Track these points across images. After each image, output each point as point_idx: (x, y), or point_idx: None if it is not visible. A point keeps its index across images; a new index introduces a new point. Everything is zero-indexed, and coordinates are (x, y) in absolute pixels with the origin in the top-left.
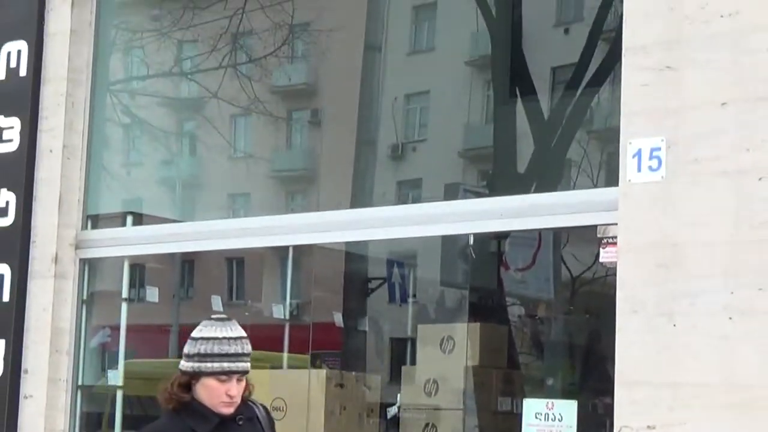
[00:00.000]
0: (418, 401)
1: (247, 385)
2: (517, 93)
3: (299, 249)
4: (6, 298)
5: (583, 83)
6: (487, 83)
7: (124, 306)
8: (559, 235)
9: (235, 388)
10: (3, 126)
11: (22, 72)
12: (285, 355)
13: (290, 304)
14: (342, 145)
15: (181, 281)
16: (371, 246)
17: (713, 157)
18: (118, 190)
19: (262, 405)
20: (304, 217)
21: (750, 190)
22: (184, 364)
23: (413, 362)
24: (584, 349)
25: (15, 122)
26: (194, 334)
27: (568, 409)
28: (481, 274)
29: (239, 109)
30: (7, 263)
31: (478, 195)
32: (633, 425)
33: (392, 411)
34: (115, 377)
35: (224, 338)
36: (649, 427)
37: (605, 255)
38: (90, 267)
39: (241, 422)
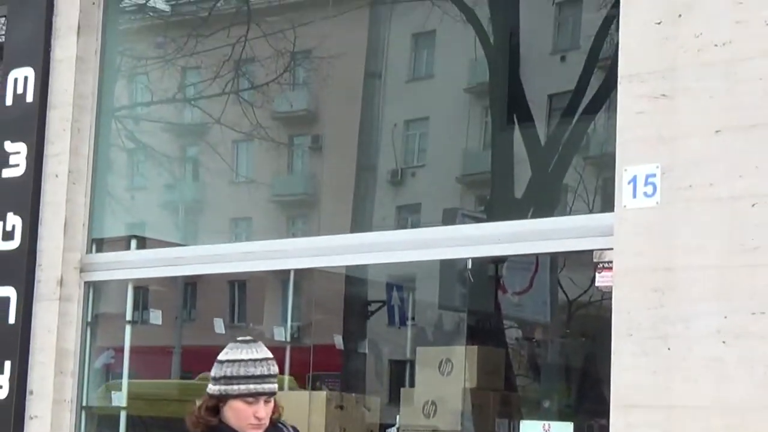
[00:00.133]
0: (416, 423)
1: (276, 406)
2: (515, 120)
3: (300, 272)
4: (12, 320)
5: (580, 110)
6: (485, 110)
7: (128, 328)
8: (555, 259)
9: (263, 410)
10: (10, 151)
11: (29, 98)
12: (286, 377)
13: (291, 327)
14: (342, 170)
15: (184, 304)
16: (371, 270)
17: (707, 183)
18: (123, 214)
19: (292, 426)
20: (305, 241)
21: (743, 216)
22: (212, 388)
23: (412, 384)
24: (580, 371)
25: (21, 147)
26: (220, 357)
27: (564, 431)
28: (479, 297)
29: (241, 135)
30: (13, 286)
31: (477, 220)
32: None
33: None
34: (119, 398)
35: (250, 360)
36: None
37: (601, 279)
38: (94, 290)
39: None
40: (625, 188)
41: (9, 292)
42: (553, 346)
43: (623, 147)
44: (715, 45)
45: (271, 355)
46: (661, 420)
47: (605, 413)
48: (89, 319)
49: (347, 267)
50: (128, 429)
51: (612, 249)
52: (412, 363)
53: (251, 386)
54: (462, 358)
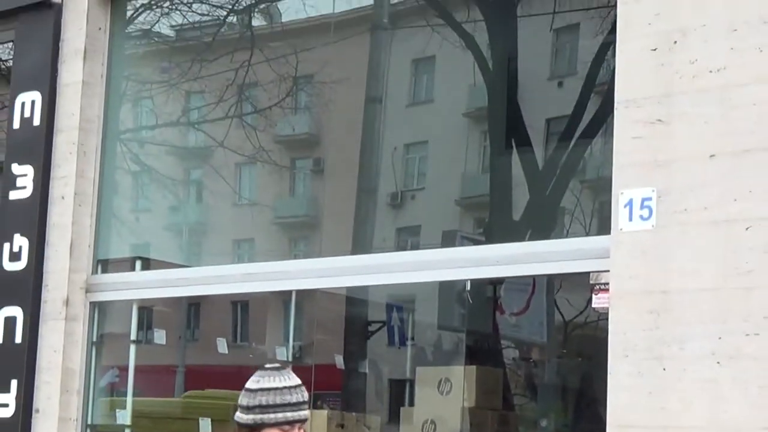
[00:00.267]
0: None
1: None
2: (513, 144)
3: (302, 293)
4: (18, 339)
5: (577, 135)
6: (483, 134)
7: (132, 347)
8: (552, 281)
9: None
10: (17, 173)
11: (36, 122)
12: None
13: (293, 347)
14: (343, 192)
15: (188, 324)
16: (371, 291)
17: (702, 207)
18: (128, 236)
19: None
20: (307, 262)
21: (737, 239)
22: (243, 417)
23: (412, 403)
24: (576, 391)
25: (28, 170)
26: (251, 385)
27: None
28: (478, 318)
29: (244, 158)
30: (19, 306)
31: (475, 242)
32: None
33: None
34: (124, 417)
35: (285, 388)
36: None
37: (597, 301)
38: (100, 310)
39: None
40: (621, 211)
41: (15, 312)
42: (550, 366)
43: (619, 171)
44: (710, 71)
45: (300, 382)
46: None
47: None
48: (94, 339)
49: (348, 288)
50: None
51: (608, 271)
52: (412, 382)
53: (288, 414)
54: (461, 377)
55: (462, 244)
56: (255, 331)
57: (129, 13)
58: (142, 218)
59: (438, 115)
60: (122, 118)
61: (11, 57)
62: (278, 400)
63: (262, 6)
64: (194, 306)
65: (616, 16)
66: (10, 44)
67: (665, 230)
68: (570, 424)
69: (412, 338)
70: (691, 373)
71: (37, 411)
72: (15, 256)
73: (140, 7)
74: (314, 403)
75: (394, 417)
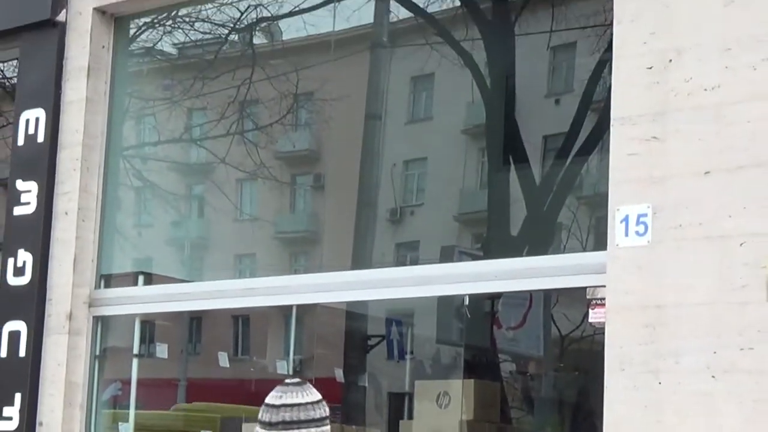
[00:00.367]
0: None
1: None
2: (511, 160)
3: (302, 307)
4: (22, 353)
5: (573, 151)
6: (481, 151)
7: (135, 361)
8: (549, 295)
9: None
10: (21, 189)
11: (40, 138)
12: None
13: (293, 360)
14: (343, 208)
15: (189, 338)
16: (371, 305)
17: (697, 223)
18: (130, 251)
19: None
20: (307, 277)
21: (732, 255)
22: None
23: (410, 416)
24: (573, 404)
25: (32, 186)
26: (272, 401)
27: None
28: (476, 332)
29: (245, 174)
30: (23, 320)
31: (473, 257)
32: None
33: None
34: (126, 429)
35: (308, 403)
36: None
37: (594, 315)
38: (103, 324)
39: None
40: (617, 227)
41: (20, 326)
42: (546, 380)
43: (615, 187)
44: (705, 89)
45: (321, 397)
46: None
47: None
48: (98, 353)
49: (348, 302)
50: None
51: (604, 286)
52: (411, 396)
53: (312, 430)
54: (459, 391)
55: (460, 260)
56: (256, 344)
57: (132, 32)
58: (144, 233)
59: (437, 132)
60: (125, 135)
61: (16, 74)
62: (302, 416)
63: (263, 24)
64: (196, 320)
65: (612, 35)
66: (15, 62)
67: (661, 246)
68: None
69: (411, 352)
70: (687, 386)
71: (41, 424)
72: (19, 271)
73: (143, 25)
74: None
75: (393, 430)
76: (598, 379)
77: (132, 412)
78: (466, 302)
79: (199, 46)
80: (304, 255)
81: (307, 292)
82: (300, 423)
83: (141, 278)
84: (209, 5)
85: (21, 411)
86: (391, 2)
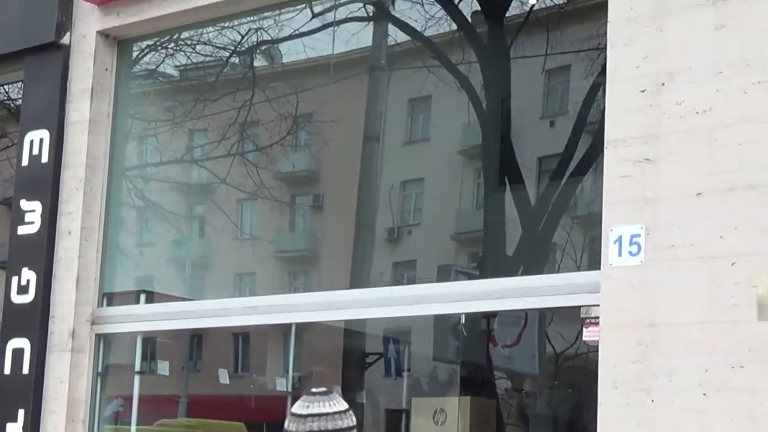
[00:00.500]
0: None
1: None
2: (506, 181)
3: (301, 325)
4: (26, 370)
5: (568, 172)
6: (477, 171)
7: (136, 378)
8: (544, 314)
9: None
10: (25, 209)
11: (44, 159)
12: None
13: (292, 377)
14: (342, 228)
15: (190, 355)
16: (369, 323)
17: (689, 243)
18: (132, 270)
19: None
20: (306, 296)
21: (723, 275)
22: None
23: None
24: (567, 421)
25: (36, 206)
26: (299, 411)
27: None
28: (471, 350)
29: (246, 194)
30: (27, 337)
31: (469, 276)
32: None
33: None
34: None
35: (335, 413)
36: None
37: (588, 334)
38: (105, 341)
39: None
40: (611, 247)
41: (23, 343)
42: (541, 397)
43: (609, 208)
44: (697, 112)
45: (348, 406)
46: None
47: None
48: (100, 370)
49: (346, 321)
50: None
51: (598, 305)
52: (408, 413)
53: None
54: (455, 408)
55: (457, 279)
56: (255, 362)
57: (135, 54)
58: (146, 252)
59: (433, 153)
60: (128, 156)
61: (20, 96)
62: (330, 425)
63: (263, 47)
64: (197, 338)
65: (605, 58)
66: (20, 84)
67: (653, 266)
68: None
69: (408, 369)
70: (679, 404)
71: None
72: (23, 289)
73: (146, 48)
74: None
75: None
76: (592, 396)
77: (133, 428)
78: (463, 321)
79: (200, 68)
80: (303, 274)
81: (306, 311)
82: None
83: (143, 296)
84: (211, 28)
85: (24, 427)
86: (389, 26)
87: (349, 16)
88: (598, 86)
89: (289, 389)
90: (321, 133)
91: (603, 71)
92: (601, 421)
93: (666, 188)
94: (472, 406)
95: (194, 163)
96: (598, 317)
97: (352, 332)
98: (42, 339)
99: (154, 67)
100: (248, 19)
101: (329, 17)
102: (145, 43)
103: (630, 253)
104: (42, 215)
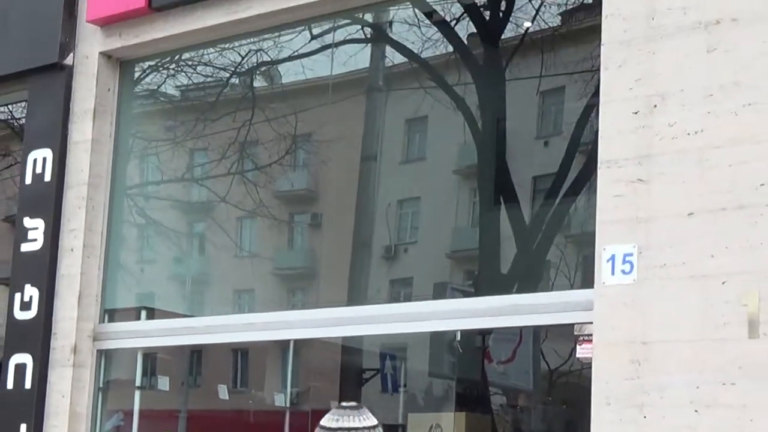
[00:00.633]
0: None
1: None
2: (501, 200)
3: (300, 342)
4: (28, 385)
5: (562, 192)
6: (473, 191)
7: (137, 393)
8: (538, 331)
9: None
10: (28, 227)
11: (47, 177)
12: None
13: (291, 393)
14: (340, 246)
15: (190, 370)
16: (366, 340)
17: (681, 262)
18: (133, 286)
19: None
20: (305, 313)
21: (714, 293)
22: None
23: None
24: None
25: (39, 223)
26: (329, 424)
27: None
28: (467, 366)
29: (245, 212)
30: (29, 353)
31: (465, 294)
32: None
33: None
34: None
35: (365, 428)
36: None
37: (581, 351)
38: (106, 357)
39: None
40: (604, 266)
41: (26, 358)
42: (536, 413)
43: (602, 227)
44: (688, 133)
45: (377, 421)
46: None
47: None
48: (101, 385)
49: (344, 337)
50: None
51: (591, 323)
52: (404, 428)
53: None
54: (451, 423)
55: (452, 296)
56: (254, 377)
57: (137, 75)
58: (147, 269)
59: (430, 172)
60: (129, 174)
61: (24, 116)
62: None
63: (263, 68)
64: (196, 353)
65: (599, 80)
66: (24, 103)
67: (646, 284)
68: None
69: (405, 385)
70: (671, 420)
71: None
72: (26, 306)
73: (147, 68)
74: None
75: None
76: (585, 412)
77: None
78: (458, 337)
79: (201, 88)
80: (301, 291)
81: (305, 327)
82: None
83: (143, 313)
84: (211, 50)
85: None
86: (387, 48)
87: (347, 38)
88: (592, 107)
89: (288, 404)
90: (319, 152)
91: (596, 93)
92: None
93: (658, 208)
94: (468, 422)
95: (194, 182)
96: (591, 334)
97: (350, 348)
98: (44, 354)
99: (155, 87)
100: (248, 40)
101: (328, 39)
102: (147, 63)
103: (623, 271)
104: (45, 233)
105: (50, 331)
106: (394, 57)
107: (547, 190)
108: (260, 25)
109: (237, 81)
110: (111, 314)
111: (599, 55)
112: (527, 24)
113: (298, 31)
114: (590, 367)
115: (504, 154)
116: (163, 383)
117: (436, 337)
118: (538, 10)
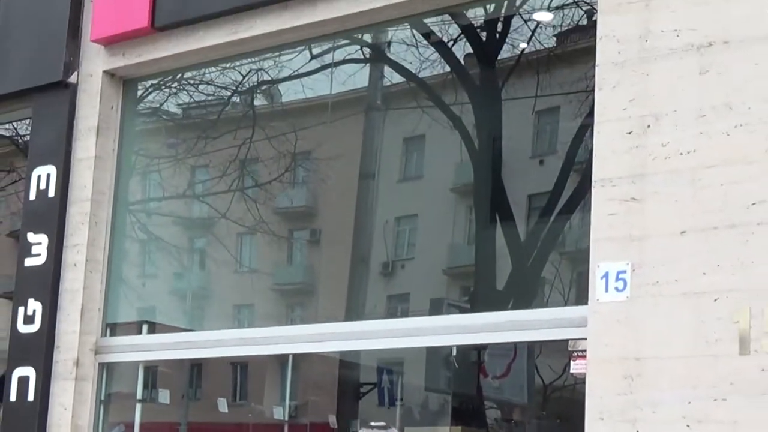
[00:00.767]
0: None
1: None
2: (497, 217)
3: (298, 356)
4: (31, 398)
5: (557, 210)
6: (469, 208)
7: (138, 406)
8: (533, 347)
9: None
10: (32, 242)
11: (51, 193)
12: None
13: (289, 406)
14: (338, 262)
15: (190, 384)
16: (363, 354)
17: (673, 279)
18: (135, 301)
19: None
20: (303, 328)
21: (706, 310)
22: None
23: None
24: None
25: (43, 238)
26: None
27: None
28: (463, 381)
29: (245, 229)
30: (32, 366)
31: (461, 309)
32: None
33: None
34: None
35: None
36: None
37: (575, 366)
38: (108, 370)
39: None
40: (598, 283)
41: (28, 371)
42: (530, 428)
43: (596, 245)
44: (681, 153)
45: None
46: None
47: None
48: (102, 398)
49: (342, 352)
50: None
51: (585, 339)
52: None
53: None
54: None
55: (449, 312)
56: (253, 391)
57: (139, 93)
58: (148, 284)
59: (427, 190)
60: (131, 191)
61: (29, 133)
62: None
63: (263, 87)
64: (196, 367)
65: (593, 100)
66: (28, 121)
67: (639, 301)
68: None
69: (401, 399)
70: None
71: None
72: (29, 320)
73: (150, 87)
74: None
75: None
76: (578, 427)
77: None
78: (454, 352)
79: (202, 107)
80: (300, 306)
81: (303, 342)
82: None
83: (145, 327)
84: (213, 69)
85: None
86: (385, 68)
87: (346, 57)
88: (586, 127)
89: (286, 417)
90: (318, 170)
91: (591, 113)
92: None
93: (651, 226)
94: None
95: (196, 199)
96: (585, 350)
97: (347, 363)
98: (47, 367)
99: (157, 105)
100: (249, 60)
101: (327, 59)
102: (150, 82)
103: (616, 288)
104: (48, 248)
105: (53, 345)
106: (392, 77)
107: (542, 208)
108: (261, 45)
109: (238, 99)
110: (113, 328)
111: (594, 76)
112: (523, 45)
113: (299, 51)
114: (584, 383)
115: (500, 172)
116: (164, 396)
117: (433, 352)
118: (533, 32)
